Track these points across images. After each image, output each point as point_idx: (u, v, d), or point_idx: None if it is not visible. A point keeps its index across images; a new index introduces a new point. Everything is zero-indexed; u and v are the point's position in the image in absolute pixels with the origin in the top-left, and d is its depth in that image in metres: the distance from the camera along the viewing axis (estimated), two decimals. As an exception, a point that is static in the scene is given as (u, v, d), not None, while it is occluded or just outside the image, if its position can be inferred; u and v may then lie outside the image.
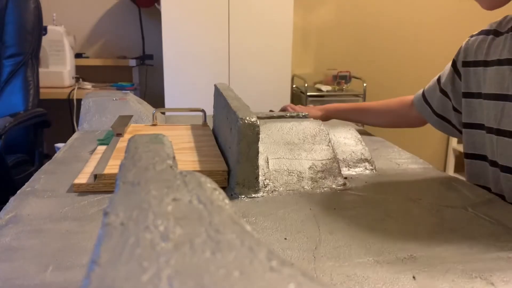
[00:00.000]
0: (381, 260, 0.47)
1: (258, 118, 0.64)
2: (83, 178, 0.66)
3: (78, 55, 2.45)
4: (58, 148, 0.99)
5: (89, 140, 0.94)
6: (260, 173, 0.66)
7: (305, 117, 0.86)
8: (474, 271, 0.44)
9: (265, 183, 0.66)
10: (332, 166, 0.71)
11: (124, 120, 0.96)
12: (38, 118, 1.76)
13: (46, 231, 0.52)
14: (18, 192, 0.64)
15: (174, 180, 0.28)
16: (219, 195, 0.27)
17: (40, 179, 0.70)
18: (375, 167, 0.79)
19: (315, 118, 0.93)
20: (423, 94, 0.98)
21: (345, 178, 0.73)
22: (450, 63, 0.91)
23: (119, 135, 0.86)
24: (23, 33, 1.80)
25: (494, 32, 0.80)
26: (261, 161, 0.67)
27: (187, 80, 2.18)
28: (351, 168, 0.78)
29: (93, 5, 2.54)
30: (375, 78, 2.81)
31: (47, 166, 0.76)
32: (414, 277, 0.43)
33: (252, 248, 0.21)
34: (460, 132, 0.92)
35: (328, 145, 0.73)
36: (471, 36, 0.87)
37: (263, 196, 0.65)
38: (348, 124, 1.00)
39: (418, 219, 0.58)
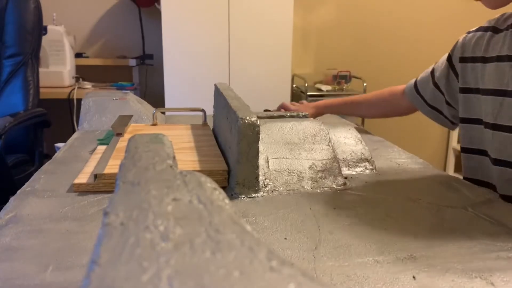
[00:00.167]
0: (381, 260, 0.47)
1: (258, 117, 0.64)
2: (83, 178, 0.66)
3: (78, 55, 2.45)
4: (58, 148, 0.99)
5: (89, 140, 0.93)
6: (260, 173, 0.66)
7: (305, 117, 0.86)
8: (474, 271, 0.44)
9: (265, 183, 0.66)
10: (332, 166, 0.71)
11: (124, 120, 0.96)
12: (38, 118, 1.76)
13: (46, 231, 0.52)
14: (18, 192, 0.64)
15: (174, 180, 0.28)
16: (219, 195, 0.27)
17: (40, 179, 0.70)
18: (375, 167, 0.79)
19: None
20: (415, 85, 0.98)
21: (345, 178, 0.73)
22: (445, 57, 0.91)
23: (119, 135, 0.86)
24: (23, 33, 1.80)
25: (493, 29, 0.80)
26: (261, 161, 0.67)
27: (187, 79, 2.18)
28: (351, 168, 0.78)
29: (93, 5, 2.54)
30: (375, 78, 2.80)
31: (47, 166, 0.76)
32: (414, 277, 0.43)
33: (252, 248, 0.21)
34: (452, 123, 0.93)
35: (328, 145, 0.73)
36: (468, 32, 0.87)
37: (263, 196, 0.65)
38: (348, 124, 1.00)
39: (418, 219, 0.58)
